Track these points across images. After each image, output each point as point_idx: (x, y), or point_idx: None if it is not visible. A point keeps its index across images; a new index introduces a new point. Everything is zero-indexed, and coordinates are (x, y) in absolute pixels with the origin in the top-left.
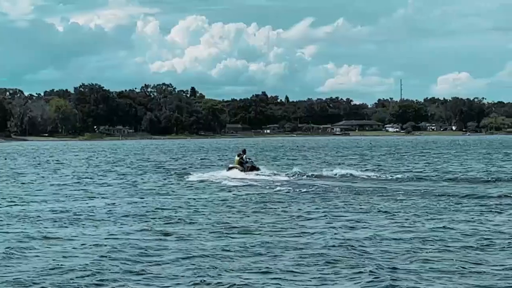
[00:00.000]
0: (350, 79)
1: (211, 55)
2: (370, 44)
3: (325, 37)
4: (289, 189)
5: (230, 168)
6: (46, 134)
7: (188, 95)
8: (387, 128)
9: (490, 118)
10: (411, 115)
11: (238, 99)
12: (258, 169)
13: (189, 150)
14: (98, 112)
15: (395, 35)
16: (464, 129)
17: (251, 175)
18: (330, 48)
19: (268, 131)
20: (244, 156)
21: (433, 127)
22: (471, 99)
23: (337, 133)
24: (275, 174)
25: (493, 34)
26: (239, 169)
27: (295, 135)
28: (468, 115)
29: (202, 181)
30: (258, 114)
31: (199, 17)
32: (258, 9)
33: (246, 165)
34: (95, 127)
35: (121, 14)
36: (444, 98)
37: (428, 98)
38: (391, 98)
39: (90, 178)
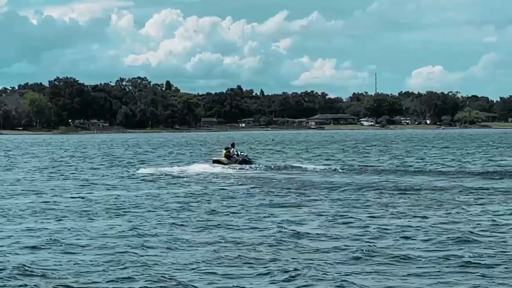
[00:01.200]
0: (325, 72)
1: (185, 49)
2: (345, 37)
3: (300, 31)
4: (238, 184)
5: (214, 161)
6: (21, 128)
7: (163, 89)
8: (362, 122)
9: (464, 112)
10: (385, 109)
11: (213, 93)
12: (250, 162)
13: (165, 145)
14: (73, 106)
15: (370, 28)
16: (438, 123)
17: (218, 168)
18: (305, 42)
19: (243, 124)
20: (232, 149)
21: (407, 121)
22: (446, 93)
23: (312, 127)
24: (248, 169)
25: (467, 28)
26: (224, 162)
27: (270, 129)
28: (442, 109)
29: (152, 174)
30: (233, 108)
31: (174, 11)
32: (232, 2)
33: (233, 158)
34: (70, 120)
35: (95, 8)
36: (418, 92)
37: (403, 92)
38: (366, 92)
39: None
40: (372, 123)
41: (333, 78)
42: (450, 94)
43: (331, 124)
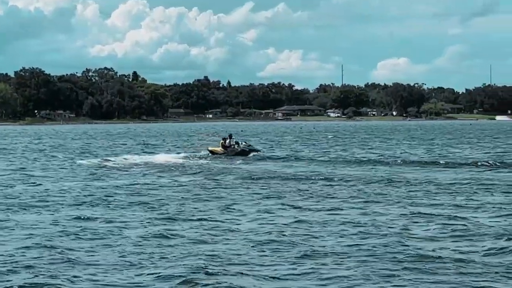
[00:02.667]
0: (291, 64)
1: (152, 40)
2: (311, 29)
3: (266, 22)
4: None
5: (210, 151)
6: None
7: (130, 80)
8: (328, 113)
9: (430, 103)
10: (352, 101)
11: (180, 84)
12: (248, 152)
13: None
14: (39, 97)
15: (336, 20)
16: (404, 114)
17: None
18: (271, 33)
19: (211, 115)
20: (228, 140)
21: (374, 113)
22: (412, 84)
23: (279, 118)
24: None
25: (432, 20)
26: (219, 152)
27: (237, 120)
28: (408, 100)
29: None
30: (200, 99)
31: (140, 1)
32: None
33: (230, 149)
34: (36, 111)
35: None
36: (384, 84)
37: (369, 84)
38: (332, 84)
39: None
40: (339, 114)
41: (300, 70)
42: (416, 85)
43: (298, 116)
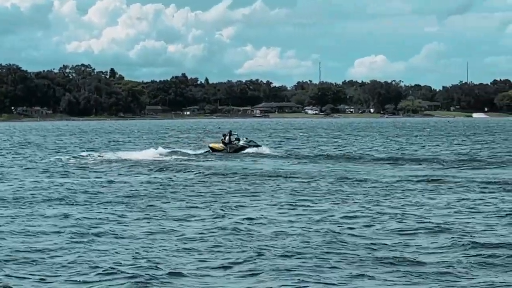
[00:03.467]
0: (269, 61)
1: (129, 36)
2: (288, 26)
3: (243, 19)
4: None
5: (210, 148)
6: None
7: (107, 76)
8: (306, 111)
9: (407, 101)
10: (330, 98)
11: (157, 81)
12: (244, 148)
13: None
14: (16, 93)
15: (313, 17)
16: (382, 112)
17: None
18: (249, 30)
19: (188, 113)
20: (228, 137)
21: (351, 110)
22: (389, 82)
23: (257, 115)
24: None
25: (410, 18)
26: (219, 149)
27: (215, 117)
28: (386, 97)
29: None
30: (178, 96)
31: None
32: None
33: (231, 145)
34: (12, 108)
35: None
36: (362, 81)
37: (347, 81)
38: (310, 81)
39: None
40: (317, 111)
41: (277, 67)
42: (393, 83)
43: (276, 113)
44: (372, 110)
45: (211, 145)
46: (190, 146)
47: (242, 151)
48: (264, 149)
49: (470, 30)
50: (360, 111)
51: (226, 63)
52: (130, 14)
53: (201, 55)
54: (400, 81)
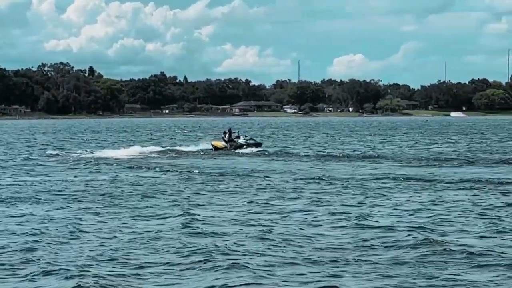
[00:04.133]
0: (248, 60)
1: (107, 35)
2: (267, 25)
3: (222, 18)
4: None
5: (213, 146)
6: None
7: (86, 75)
8: (285, 109)
9: (386, 100)
10: (308, 97)
11: (136, 79)
12: (241, 146)
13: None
14: None
15: (292, 16)
16: (360, 111)
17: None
18: (227, 29)
19: (167, 111)
20: (228, 135)
21: (330, 109)
22: (368, 81)
23: (236, 114)
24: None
25: (388, 17)
26: (221, 147)
27: (193, 116)
28: (364, 96)
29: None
30: (157, 94)
31: None
32: None
33: (231, 143)
34: None
35: None
36: (341, 80)
37: (325, 80)
38: (289, 80)
39: None
40: (296, 110)
41: (256, 66)
42: (372, 82)
43: (255, 111)
44: (350, 109)
45: (213, 143)
46: (182, 144)
47: (243, 149)
48: (263, 147)
49: (448, 29)
50: (339, 110)
51: (205, 61)
52: (109, 13)
53: (180, 54)
54: (379, 80)
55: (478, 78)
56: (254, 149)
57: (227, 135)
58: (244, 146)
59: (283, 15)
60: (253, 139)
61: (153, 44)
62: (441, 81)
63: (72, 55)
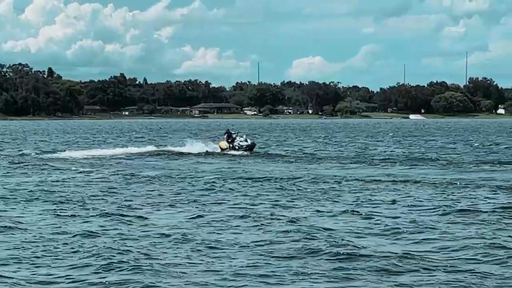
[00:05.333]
0: (207, 61)
1: (66, 36)
2: (226, 26)
3: (182, 19)
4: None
5: (219, 147)
6: None
7: (45, 76)
8: (245, 111)
9: (345, 102)
10: (268, 99)
11: (96, 81)
12: (244, 148)
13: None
14: None
15: (251, 18)
16: (320, 113)
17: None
18: (187, 31)
19: (127, 113)
20: (226, 136)
21: (290, 111)
22: (327, 83)
23: (196, 115)
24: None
25: (347, 19)
26: (224, 148)
27: (153, 117)
28: (324, 99)
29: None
30: (117, 96)
31: None
32: None
33: (230, 145)
34: None
35: None
36: (300, 82)
37: (285, 82)
38: (249, 82)
39: None
40: (256, 112)
41: (216, 67)
42: (331, 84)
43: (215, 113)
44: (310, 111)
45: (220, 144)
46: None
47: (241, 149)
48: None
49: (407, 32)
50: (298, 112)
51: (164, 63)
52: (68, 13)
53: (139, 55)
54: (338, 82)
55: (437, 81)
56: (245, 153)
57: (226, 136)
58: (236, 147)
59: (243, 17)
60: (247, 140)
61: (112, 45)
62: (400, 84)
63: (31, 56)
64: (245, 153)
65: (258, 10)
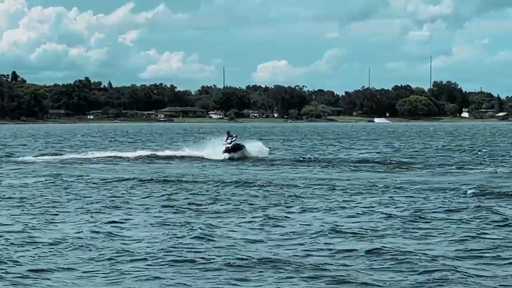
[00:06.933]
0: (172, 65)
1: (30, 39)
2: (191, 30)
3: (146, 23)
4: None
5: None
6: None
7: (9, 80)
8: (211, 115)
9: (310, 105)
10: (234, 102)
11: (60, 84)
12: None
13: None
14: None
15: (215, 22)
16: (286, 116)
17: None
18: (152, 34)
19: (92, 117)
20: (225, 138)
21: (255, 114)
22: (293, 87)
23: (162, 119)
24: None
25: (312, 24)
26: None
27: (118, 121)
28: (289, 102)
29: None
30: (82, 100)
31: (18, 0)
32: None
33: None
34: None
35: None
36: (266, 86)
37: (251, 86)
38: (214, 85)
39: None
40: (221, 116)
41: (181, 71)
42: (297, 88)
43: (180, 117)
44: (276, 115)
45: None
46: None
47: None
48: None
49: (371, 36)
50: (264, 116)
51: (129, 67)
52: (31, 17)
53: (104, 59)
54: (303, 86)
55: (401, 85)
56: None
57: (226, 138)
58: (225, 149)
59: (207, 21)
60: (237, 143)
61: (77, 49)
62: (365, 88)
63: None
64: (227, 155)
65: (223, 14)
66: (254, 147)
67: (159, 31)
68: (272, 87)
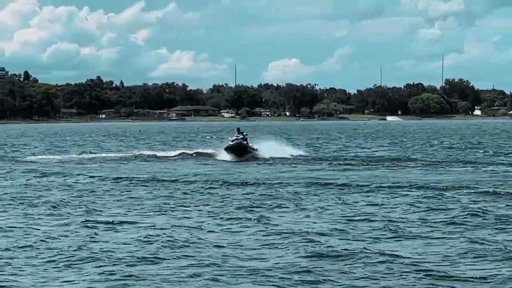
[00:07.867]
0: (183, 64)
1: (42, 39)
2: (202, 29)
3: (157, 22)
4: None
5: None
6: None
7: (21, 79)
8: (222, 114)
9: (322, 104)
10: (246, 101)
11: (72, 84)
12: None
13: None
14: None
15: (226, 21)
16: (297, 115)
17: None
18: (162, 33)
19: (104, 116)
20: (236, 135)
21: (267, 113)
22: (304, 85)
23: (173, 118)
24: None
25: (322, 22)
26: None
27: (130, 120)
28: (301, 101)
29: None
30: (94, 99)
31: (29, 0)
32: None
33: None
34: None
35: None
36: (277, 84)
37: (262, 84)
38: (226, 84)
39: None
40: (233, 114)
41: (192, 70)
42: (308, 86)
43: (192, 116)
44: (287, 113)
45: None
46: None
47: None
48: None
49: (382, 34)
50: (276, 114)
51: (140, 66)
52: (43, 17)
53: (115, 58)
54: (315, 84)
55: (413, 83)
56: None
57: (236, 135)
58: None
59: (217, 20)
60: (239, 142)
61: (88, 48)
62: (377, 86)
63: (6, 59)
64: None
65: (233, 13)
66: (274, 147)
67: (169, 30)
68: (284, 85)
